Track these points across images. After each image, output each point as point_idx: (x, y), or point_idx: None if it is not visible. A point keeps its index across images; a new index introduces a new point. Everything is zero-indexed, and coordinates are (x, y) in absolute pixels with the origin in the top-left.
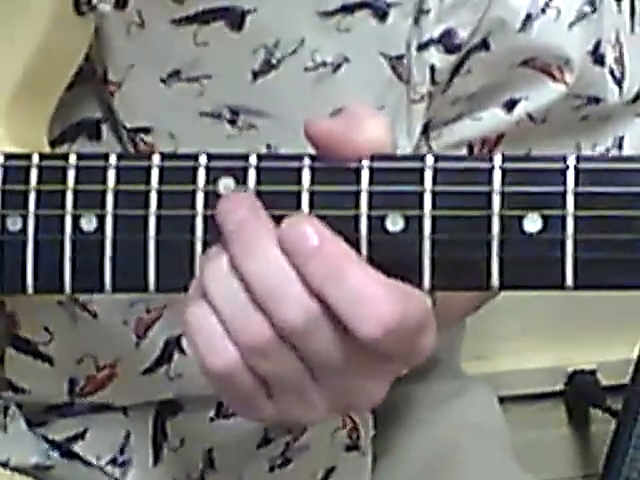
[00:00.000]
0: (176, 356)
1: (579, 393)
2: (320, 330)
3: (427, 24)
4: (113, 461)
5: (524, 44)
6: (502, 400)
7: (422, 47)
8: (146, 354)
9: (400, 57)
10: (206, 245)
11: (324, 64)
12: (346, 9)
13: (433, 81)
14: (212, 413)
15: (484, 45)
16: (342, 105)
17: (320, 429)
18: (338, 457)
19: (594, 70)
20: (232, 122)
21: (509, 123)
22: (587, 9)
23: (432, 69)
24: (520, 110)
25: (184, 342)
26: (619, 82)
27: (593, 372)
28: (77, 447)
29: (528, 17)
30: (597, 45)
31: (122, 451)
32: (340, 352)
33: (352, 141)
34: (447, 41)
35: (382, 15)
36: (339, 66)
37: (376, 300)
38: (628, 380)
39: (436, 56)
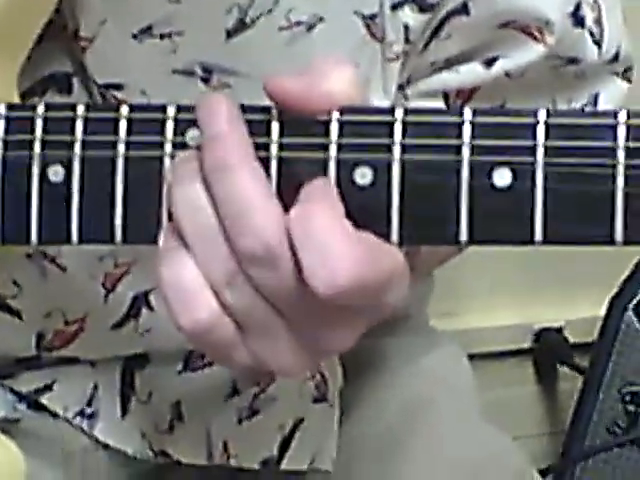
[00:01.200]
0: (144, 311)
1: (547, 350)
2: (280, 267)
3: None
4: (81, 413)
5: (505, 7)
6: (471, 357)
7: (396, 6)
8: (114, 309)
9: (374, 16)
10: None
11: (298, 23)
12: None
13: (407, 40)
14: (180, 366)
15: (464, 10)
16: None
17: (288, 380)
18: (306, 409)
19: (574, 32)
20: (205, 80)
21: (486, 78)
22: None
23: (406, 28)
24: (499, 67)
25: (152, 298)
26: (598, 43)
27: (560, 329)
28: (44, 399)
29: None
30: (577, 7)
31: (90, 403)
32: (301, 295)
33: (312, 97)
34: (420, 0)
35: None
36: (313, 25)
37: (339, 259)
38: (595, 337)
39: (410, 15)
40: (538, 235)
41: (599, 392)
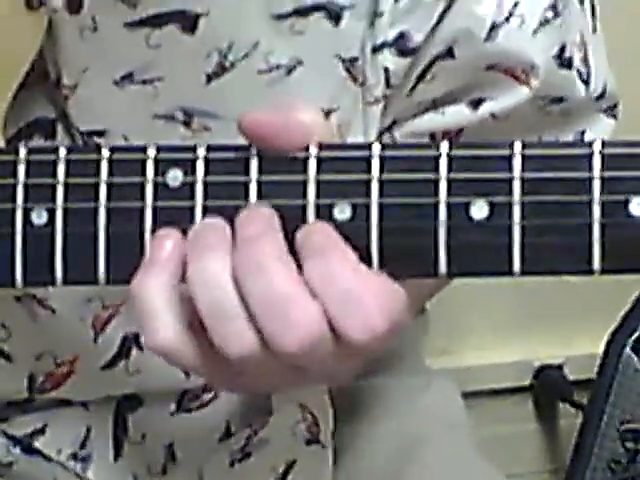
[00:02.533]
0: (134, 351)
1: (547, 387)
2: (322, 347)
3: (381, 27)
4: (74, 456)
5: (490, 51)
6: (470, 395)
7: (376, 50)
8: (104, 350)
9: (354, 59)
10: None
11: (278, 67)
12: (300, 12)
13: (388, 84)
14: (173, 407)
15: (449, 54)
16: None
17: (280, 423)
18: (298, 451)
19: (560, 73)
20: (186, 124)
21: (472, 119)
22: (549, 15)
23: (386, 72)
24: (485, 109)
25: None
26: (586, 81)
27: (560, 366)
28: (38, 443)
29: (493, 26)
30: (562, 49)
31: (83, 446)
32: (336, 356)
33: (288, 128)
34: (401, 44)
35: (336, 18)
36: (293, 69)
37: (367, 306)
38: (595, 374)
39: (390, 59)
40: (516, 267)
41: (598, 429)
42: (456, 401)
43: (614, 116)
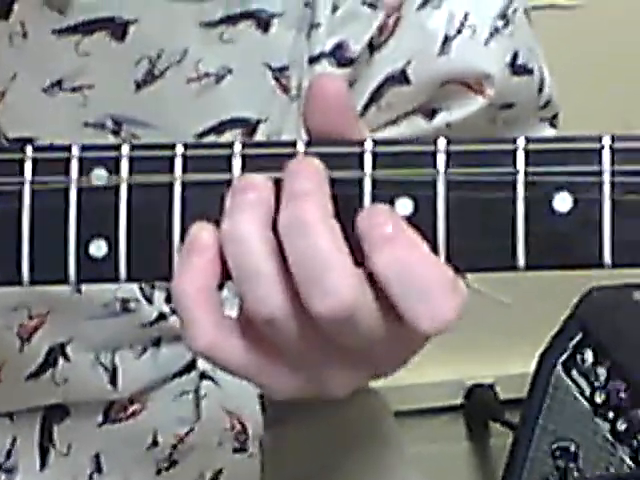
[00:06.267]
0: (61, 362)
1: (478, 407)
2: (364, 324)
3: (318, 38)
4: None
5: (444, 69)
6: (402, 414)
7: (314, 60)
8: (30, 359)
9: (284, 69)
10: (79, 237)
11: (207, 75)
12: (229, 20)
13: None
14: (100, 418)
15: (404, 78)
16: (225, 116)
17: (207, 430)
18: (225, 459)
19: (513, 80)
20: (115, 132)
21: (428, 129)
22: (500, 23)
23: None
24: (440, 119)
25: (69, 349)
26: (540, 88)
27: (492, 386)
28: None
29: (446, 39)
30: (515, 56)
31: (8, 456)
32: (384, 340)
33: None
34: (339, 54)
35: (265, 26)
36: (222, 77)
37: (438, 296)
38: (525, 393)
39: (328, 70)
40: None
41: (530, 448)
42: (389, 418)
43: (555, 126)
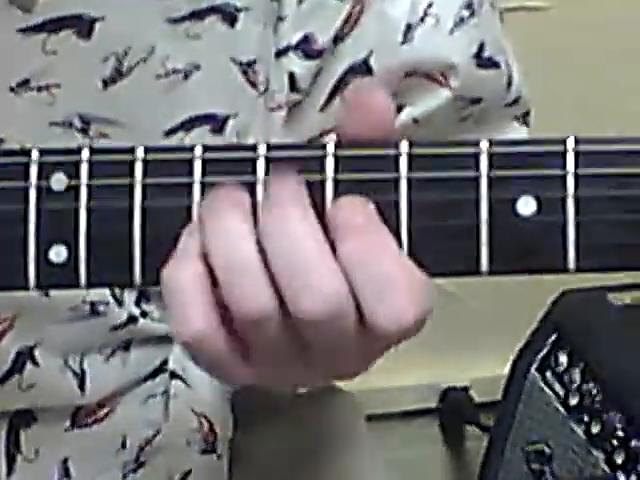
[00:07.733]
0: (29, 366)
1: (453, 410)
2: (341, 325)
3: (284, 31)
4: None
5: (407, 57)
6: (376, 418)
7: (280, 54)
8: None
9: (251, 63)
10: (39, 243)
11: (175, 71)
12: (196, 15)
13: (294, 88)
14: (68, 423)
15: (366, 66)
16: (194, 112)
17: (175, 431)
18: (193, 460)
19: (479, 73)
20: (83, 131)
21: None
22: (465, 13)
23: (292, 76)
24: (406, 115)
25: (37, 353)
26: (508, 82)
27: (466, 389)
28: None
29: (408, 28)
30: (480, 48)
31: None
32: (353, 341)
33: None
34: (306, 47)
35: (231, 20)
36: (190, 73)
37: (402, 295)
38: (500, 396)
39: (296, 62)
40: None
41: (504, 451)
42: (360, 420)
43: (526, 124)
